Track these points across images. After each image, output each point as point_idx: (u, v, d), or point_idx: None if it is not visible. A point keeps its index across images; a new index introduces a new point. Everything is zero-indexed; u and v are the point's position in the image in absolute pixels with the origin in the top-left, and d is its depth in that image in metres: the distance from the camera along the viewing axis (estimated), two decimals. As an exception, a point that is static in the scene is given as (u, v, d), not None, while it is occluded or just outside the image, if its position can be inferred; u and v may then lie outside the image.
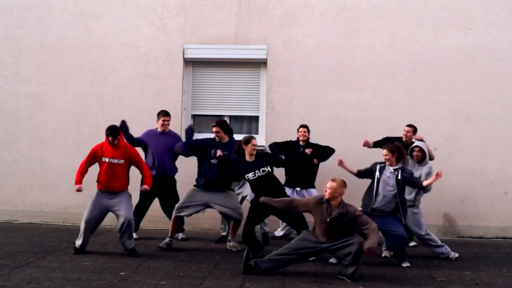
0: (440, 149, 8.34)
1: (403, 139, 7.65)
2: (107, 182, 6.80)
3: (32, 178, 9.24)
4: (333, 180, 6.01)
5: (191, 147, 7.24)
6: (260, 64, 9.09)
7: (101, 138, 9.22)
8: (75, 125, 9.20)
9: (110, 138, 6.73)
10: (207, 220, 8.53)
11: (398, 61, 8.73)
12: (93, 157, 6.86)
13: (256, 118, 9.19)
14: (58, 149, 9.20)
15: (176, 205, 7.21)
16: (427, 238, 6.90)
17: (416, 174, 6.81)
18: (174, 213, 7.19)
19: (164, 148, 7.69)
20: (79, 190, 6.83)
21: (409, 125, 7.75)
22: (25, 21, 9.32)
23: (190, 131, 7.45)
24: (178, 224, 7.37)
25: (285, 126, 8.56)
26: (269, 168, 6.81)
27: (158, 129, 7.90)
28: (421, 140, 7.47)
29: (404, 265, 6.54)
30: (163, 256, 6.88)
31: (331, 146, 7.89)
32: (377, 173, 6.52)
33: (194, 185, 7.28)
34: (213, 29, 9.01)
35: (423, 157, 6.97)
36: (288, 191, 7.56)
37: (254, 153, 6.87)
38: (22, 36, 9.32)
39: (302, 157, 7.34)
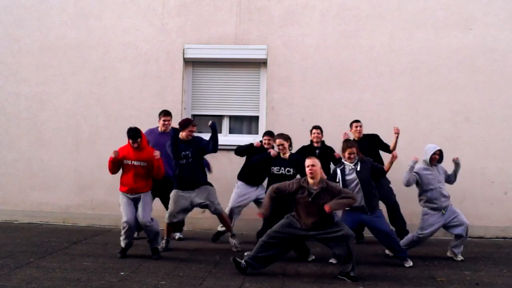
0: (440, 149, 8.34)
1: (357, 136, 7.79)
2: (131, 184, 6.77)
3: (32, 178, 9.25)
4: (310, 158, 6.06)
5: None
6: (260, 64, 9.09)
7: (101, 138, 9.25)
8: (75, 125, 9.20)
9: (130, 141, 6.70)
10: (207, 220, 8.53)
11: (398, 61, 8.73)
12: (117, 160, 6.76)
13: (256, 118, 9.19)
14: (58, 149, 9.20)
15: (168, 212, 7.18)
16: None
17: (435, 174, 6.80)
18: (167, 221, 7.15)
19: (164, 147, 7.68)
20: (115, 154, 6.72)
21: (356, 121, 7.90)
22: (25, 21, 9.32)
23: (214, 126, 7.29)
24: (173, 226, 7.37)
25: (285, 126, 8.54)
26: (293, 171, 6.84)
27: (159, 129, 7.92)
28: (398, 133, 7.53)
29: (407, 264, 6.53)
30: (163, 256, 6.88)
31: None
32: (339, 175, 6.58)
33: (174, 187, 7.22)
34: (213, 29, 9.02)
35: (440, 160, 6.92)
36: None
37: (284, 151, 6.92)
38: (22, 36, 9.32)
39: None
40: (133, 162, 6.73)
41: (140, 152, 6.75)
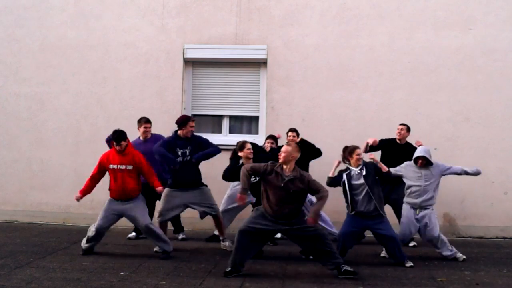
0: (440, 149, 8.34)
1: (397, 137, 7.75)
2: (119, 189, 6.73)
3: (32, 178, 9.25)
4: (288, 145, 6.11)
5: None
6: (260, 64, 9.09)
7: (101, 138, 9.21)
8: (75, 125, 9.20)
9: (114, 143, 6.68)
10: (207, 220, 8.48)
11: (398, 61, 8.73)
12: (101, 167, 6.80)
13: (256, 118, 9.19)
14: (58, 149, 9.20)
15: (159, 211, 7.13)
16: (440, 239, 6.85)
17: (433, 173, 6.79)
18: (158, 220, 7.08)
19: (151, 154, 7.61)
20: (77, 199, 6.84)
21: (402, 124, 7.82)
22: (25, 21, 9.32)
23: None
24: (167, 227, 7.31)
25: (285, 126, 8.53)
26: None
27: (141, 138, 7.82)
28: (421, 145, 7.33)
29: (408, 264, 6.52)
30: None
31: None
32: (345, 179, 6.52)
33: (167, 186, 7.12)
34: (213, 29, 9.02)
35: (427, 163, 6.86)
36: None
37: (251, 156, 6.82)
38: (22, 36, 9.33)
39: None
40: (118, 166, 6.70)
41: (125, 157, 6.71)
